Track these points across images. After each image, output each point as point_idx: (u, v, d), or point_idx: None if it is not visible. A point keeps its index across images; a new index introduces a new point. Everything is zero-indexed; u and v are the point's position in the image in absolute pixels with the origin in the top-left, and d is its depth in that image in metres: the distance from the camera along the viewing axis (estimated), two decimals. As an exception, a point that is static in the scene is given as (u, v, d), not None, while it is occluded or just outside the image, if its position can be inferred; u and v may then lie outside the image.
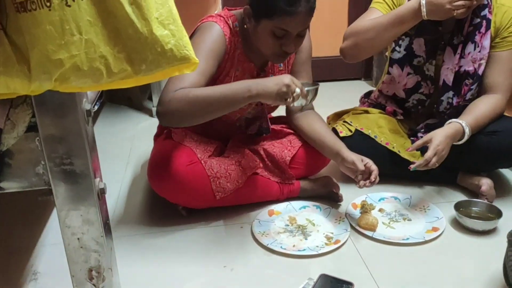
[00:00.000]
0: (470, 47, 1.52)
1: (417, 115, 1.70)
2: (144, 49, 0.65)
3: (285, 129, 1.64)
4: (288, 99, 1.22)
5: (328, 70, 2.83)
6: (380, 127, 1.64)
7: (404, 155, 1.54)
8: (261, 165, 1.57)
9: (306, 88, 1.26)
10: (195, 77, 1.28)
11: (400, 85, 1.66)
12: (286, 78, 1.22)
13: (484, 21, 1.50)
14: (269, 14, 1.29)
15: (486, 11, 1.50)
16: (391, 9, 1.55)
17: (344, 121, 1.67)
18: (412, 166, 1.44)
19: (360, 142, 1.56)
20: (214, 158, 1.50)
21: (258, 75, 1.51)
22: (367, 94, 1.80)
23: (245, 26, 1.39)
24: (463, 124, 1.45)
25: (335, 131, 1.62)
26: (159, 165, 1.43)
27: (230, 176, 1.47)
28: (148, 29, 0.63)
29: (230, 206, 1.52)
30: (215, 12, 1.60)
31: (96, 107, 2.04)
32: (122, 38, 0.64)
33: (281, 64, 1.56)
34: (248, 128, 1.63)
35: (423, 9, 1.38)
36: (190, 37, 1.38)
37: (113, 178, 1.79)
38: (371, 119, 1.66)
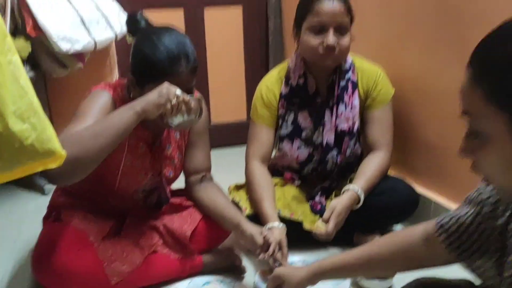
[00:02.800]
0: (341, 107, 1.64)
1: (313, 180, 1.76)
2: (-2, 146, 0.60)
3: (184, 202, 1.60)
4: (173, 101, 1.21)
5: (228, 136, 2.88)
6: (281, 199, 1.65)
7: (306, 225, 1.57)
8: (160, 242, 1.50)
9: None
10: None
11: (293, 159, 1.72)
12: (164, 85, 1.23)
13: (350, 83, 1.65)
14: (152, 78, 1.28)
15: (350, 74, 1.65)
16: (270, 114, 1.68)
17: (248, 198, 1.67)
18: (313, 234, 1.49)
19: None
20: (108, 240, 1.41)
21: (153, 143, 1.48)
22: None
23: (130, 95, 1.37)
24: (358, 192, 1.54)
25: (237, 205, 1.61)
26: (43, 254, 1.31)
27: (126, 258, 1.38)
28: (3, 124, 0.59)
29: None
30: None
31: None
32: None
33: (178, 134, 1.54)
34: (147, 200, 1.56)
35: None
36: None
37: (-6, 270, 1.59)
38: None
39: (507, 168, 0.68)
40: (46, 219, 1.53)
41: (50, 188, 2.16)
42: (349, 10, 1.55)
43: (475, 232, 0.87)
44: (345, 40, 1.55)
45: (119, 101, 1.38)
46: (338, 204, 1.51)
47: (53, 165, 0.62)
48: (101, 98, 1.35)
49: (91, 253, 1.33)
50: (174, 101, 1.22)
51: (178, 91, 1.24)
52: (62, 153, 0.62)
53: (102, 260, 1.33)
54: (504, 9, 1.34)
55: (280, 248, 1.40)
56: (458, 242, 0.89)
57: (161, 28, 1.36)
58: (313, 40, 1.54)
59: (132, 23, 1.40)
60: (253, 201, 1.62)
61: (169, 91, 1.23)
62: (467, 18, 1.49)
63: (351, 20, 1.57)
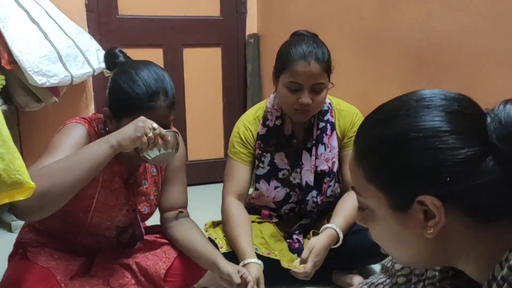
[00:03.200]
0: (321, 148, 1.65)
1: (290, 218, 1.74)
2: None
3: (159, 239, 1.55)
4: (149, 134, 1.19)
5: (205, 173, 2.85)
6: (259, 236, 1.63)
7: (284, 263, 1.53)
8: (133, 281, 1.44)
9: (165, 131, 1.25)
10: None
11: (270, 199, 1.71)
12: (140, 118, 1.21)
13: (328, 124, 1.66)
14: (129, 112, 1.26)
15: (328, 116, 1.66)
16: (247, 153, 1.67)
17: (225, 235, 1.64)
18: (291, 272, 1.46)
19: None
20: (77, 279, 1.34)
21: (128, 179, 1.44)
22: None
23: (106, 128, 1.34)
24: (337, 230, 1.52)
25: (213, 243, 1.58)
26: (8, 294, 1.23)
27: (96, 299, 1.32)
28: (-31, 153, 0.56)
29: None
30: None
31: None
32: None
33: (154, 169, 1.52)
34: (120, 237, 1.51)
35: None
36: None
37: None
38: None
39: (393, 240, 0.71)
40: (11, 257, 1.45)
41: (17, 225, 2.08)
42: (326, 68, 1.53)
43: None
44: (321, 96, 1.54)
45: (94, 135, 1.34)
46: (316, 243, 1.49)
47: (20, 197, 0.59)
48: (75, 131, 1.31)
49: (58, 293, 1.26)
50: (150, 134, 1.21)
51: (155, 125, 1.23)
52: (31, 184, 0.59)
53: (69, 301, 1.27)
54: (481, 53, 1.40)
55: (258, 286, 1.37)
56: None
57: (140, 62, 1.35)
58: (288, 96, 1.54)
59: (110, 57, 1.40)
60: (230, 237, 1.59)
61: (146, 124, 1.21)
62: (440, 62, 1.54)
63: (329, 74, 1.56)
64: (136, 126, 1.21)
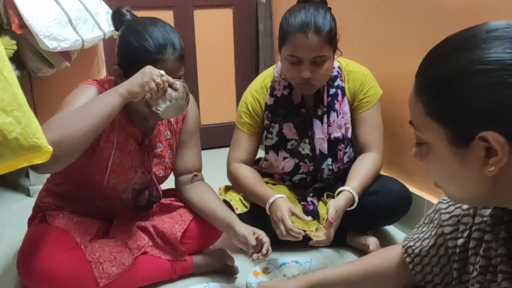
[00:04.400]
0: (333, 115, 1.62)
1: (304, 183, 1.73)
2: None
3: (174, 203, 1.57)
4: (156, 80, 1.19)
5: (218, 137, 2.85)
6: None
7: (298, 224, 1.53)
8: (150, 243, 1.47)
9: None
10: None
11: (279, 169, 1.70)
12: (147, 66, 1.22)
13: (339, 90, 1.62)
14: (138, 67, 1.24)
15: (338, 81, 1.62)
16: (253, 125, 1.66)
17: (241, 196, 1.65)
18: (312, 243, 1.45)
19: (256, 216, 1.53)
20: (96, 241, 1.37)
21: (143, 141, 1.44)
22: (256, 162, 1.81)
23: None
24: (353, 192, 1.50)
25: (229, 205, 1.59)
26: (29, 255, 1.27)
27: (115, 260, 1.35)
28: (-15, 117, 0.56)
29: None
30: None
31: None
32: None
33: (168, 132, 1.52)
34: (137, 200, 1.53)
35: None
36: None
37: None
38: None
39: (449, 177, 0.69)
40: (31, 220, 1.49)
41: (36, 189, 2.11)
42: (328, 39, 1.44)
43: (436, 255, 0.89)
44: (323, 69, 1.47)
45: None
46: (336, 206, 1.46)
47: (38, 160, 0.59)
48: (87, 92, 1.32)
49: (78, 254, 1.29)
50: (158, 79, 1.20)
51: (162, 72, 1.22)
52: (48, 148, 0.59)
53: (90, 262, 1.30)
54: (497, 9, 1.34)
55: (295, 214, 1.42)
56: (420, 266, 0.92)
57: (146, 18, 1.34)
58: (290, 70, 1.49)
59: (117, 16, 1.38)
60: (246, 191, 1.60)
61: (152, 70, 1.21)
62: (458, 18, 1.48)
63: (334, 44, 1.49)
64: (143, 72, 1.21)
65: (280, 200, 1.47)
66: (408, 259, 0.95)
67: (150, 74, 1.20)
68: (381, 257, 1.05)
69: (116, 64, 1.33)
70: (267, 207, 1.48)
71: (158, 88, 1.20)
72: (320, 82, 1.53)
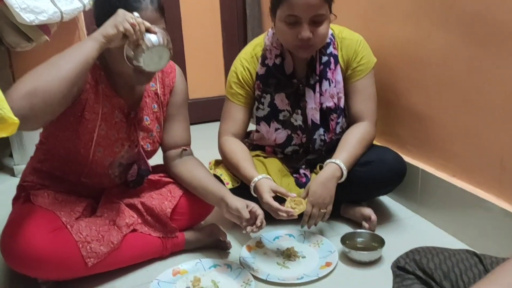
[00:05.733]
0: (325, 84, 1.57)
1: (296, 155, 1.70)
2: None
3: (163, 178, 1.52)
4: (131, 21, 1.13)
5: (206, 111, 2.80)
6: (264, 172, 1.58)
7: (289, 203, 1.49)
8: (139, 220, 1.43)
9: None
10: None
11: (271, 141, 1.65)
12: (119, 10, 1.16)
13: (332, 58, 1.57)
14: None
15: (331, 48, 1.57)
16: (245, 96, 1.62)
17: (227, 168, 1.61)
18: (301, 227, 1.44)
19: (248, 191, 1.49)
20: (83, 220, 1.33)
21: (129, 114, 1.39)
22: (247, 135, 1.76)
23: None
24: (339, 163, 1.47)
25: (220, 180, 1.54)
26: (13, 237, 1.22)
27: (103, 238, 1.31)
28: None
29: (106, 272, 1.34)
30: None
31: None
32: None
33: (155, 105, 1.46)
34: (127, 175, 1.47)
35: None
36: None
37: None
38: (256, 165, 1.60)
39: None
40: (15, 200, 1.44)
41: (20, 169, 2.05)
42: None
43: None
44: (321, 29, 1.43)
45: None
46: (314, 180, 1.46)
47: (3, 133, 0.54)
48: None
49: (64, 234, 1.25)
50: (132, 20, 1.14)
51: (136, 13, 1.17)
52: (14, 119, 0.53)
53: (77, 241, 1.25)
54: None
55: (279, 193, 1.41)
56: None
57: None
58: (287, 32, 1.44)
59: None
60: (231, 165, 1.56)
61: (126, 12, 1.15)
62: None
63: (330, 5, 1.45)
64: (116, 14, 1.15)
65: (262, 181, 1.44)
66: None
67: (123, 15, 1.14)
68: None
69: (94, 25, 1.25)
70: (251, 190, 1.46)
71: (134, 29, 1.13)
72: (318, 43, 1.48)
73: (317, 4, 1.39)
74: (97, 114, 1.31)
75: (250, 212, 1.31)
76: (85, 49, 1.11)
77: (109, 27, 1.13)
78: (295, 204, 1.44)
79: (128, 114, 1.39)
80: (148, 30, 1.17)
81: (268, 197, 1.39)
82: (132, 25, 1.13)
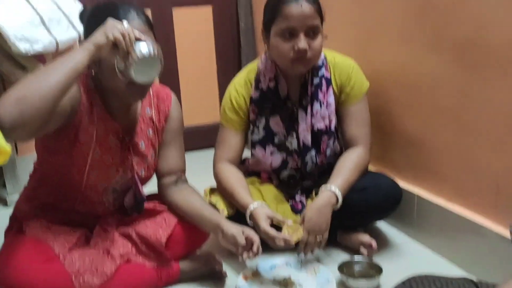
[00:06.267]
0: (316, 105, 1.58)
1: (291, 181, 1.69)
2: None
3: (158, 207, 1.51)
4: (120, 28, 1.14)
5: (201, 138, 2.80)
6: (260, 199, 1.57)
7: (285, 230, 1.47)
8: (133, 250, 1.41)
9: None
10: None
11: (267, 165, 1.65)
12: (108, 19, 1.17)
13: (324, 80, 1.59)
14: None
15: (323, 71, 1.59)
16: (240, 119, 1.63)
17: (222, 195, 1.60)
18: (298, 255, 1.44)
19: (244, 219, 1.47)
20: (76, 250, 1.31)
21: (123, 138, 1.38)
22: (242, 162, 1.76)
23: (92, 72, 1.28)
24: (334, 190, 1.46)
25: (215, 207, 1.53)
26: (5, 268, 1.20)
27: (96, 270, 1.29)
28: None
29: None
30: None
31: None
32: None
33: (150, 130, 1.45)
34: (122, 203, 1.46)
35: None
36: None
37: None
38: (251, 192, 1.59)
39: None
40: (8, 231, 1.42)
41: (13, 198, 2.03)
42: (319, 11, 1.47)
43: None
44: (317, 42, 1.47)
45: (83, 87, 1.30)
46: (309, 207, 1.46)
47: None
48: None
49: (57, 266, 1.23)
50: (121, 28, 1.15)
51: (125, 21, 1.18)
52: (7, 149, 0.53)
53: (69, 273, 1.23)
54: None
55: (278, 220, 1.42)
56: None
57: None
58: (283, 46, 1.46)
59: (83, 14, 1.33)
60: (226, 193, 1.56)
61: (115, 21, 1.17)
62: (440, 7, 1.46)
63: (322, 20, 1.50)
64: (105, 23, 1.16)
65: (258, 209, 1.43)
66: None
67: (112, 23, 1.16)
68: None
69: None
70: (247, 217, 1.45)
71: (124, 37, 1.14)
72: (314, 56, 1.50)
73: (311, 15, 1.44)
74: (91, 137, 1.30)
75: (246, 238, 1.30)
76: (74, 56, 1.12)
77: (98, 35, 1.14)
78: (292, 231, 1.43)
79: (123, 138, 1.38)
80: (138, 39, 1.18)
81: (265, 225, 1.38)
82: (122, 33, 1.14)
